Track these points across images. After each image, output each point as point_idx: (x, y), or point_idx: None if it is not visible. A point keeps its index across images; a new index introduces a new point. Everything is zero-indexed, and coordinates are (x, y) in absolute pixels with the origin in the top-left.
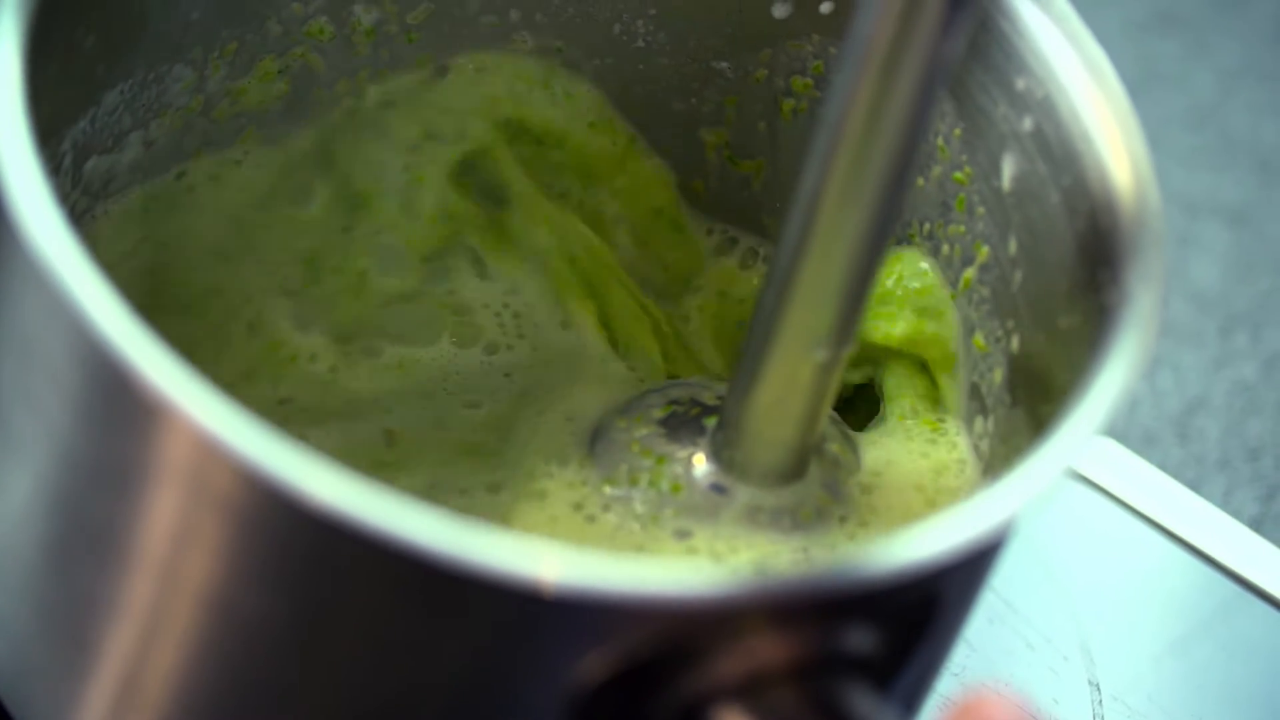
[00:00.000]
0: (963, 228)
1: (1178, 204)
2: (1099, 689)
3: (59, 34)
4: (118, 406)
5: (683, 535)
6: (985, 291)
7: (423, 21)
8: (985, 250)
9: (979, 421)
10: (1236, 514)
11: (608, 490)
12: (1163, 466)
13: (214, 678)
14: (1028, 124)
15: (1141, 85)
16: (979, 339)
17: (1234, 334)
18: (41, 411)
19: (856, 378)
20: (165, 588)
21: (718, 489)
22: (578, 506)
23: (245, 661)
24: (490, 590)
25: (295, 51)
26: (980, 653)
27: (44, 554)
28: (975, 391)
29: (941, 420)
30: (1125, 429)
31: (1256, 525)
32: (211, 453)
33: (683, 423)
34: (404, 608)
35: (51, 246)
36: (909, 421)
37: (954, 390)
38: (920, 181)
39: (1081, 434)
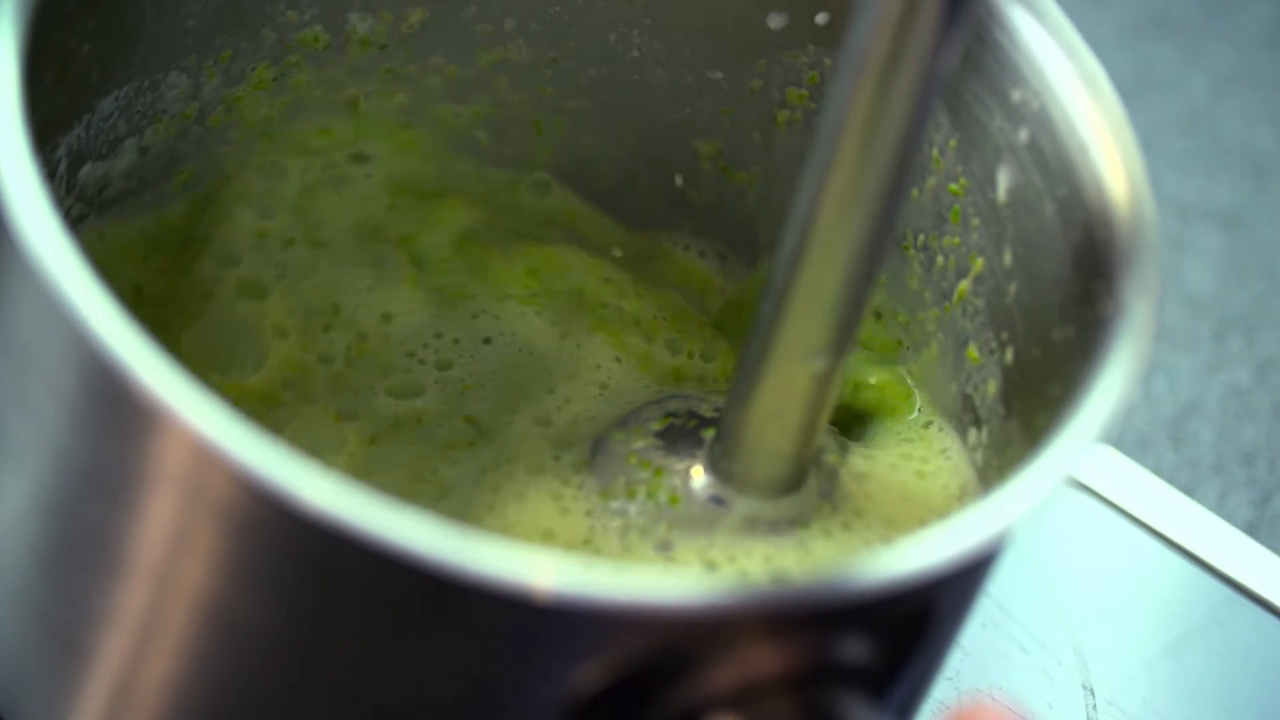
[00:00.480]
0: (957, 239)
1: (1171, 208)
2: (1093, 693)
3: (55, 41)
4: (114, 412)
5: (664, 547)
6: (979, 303)
7: (418, 30)
8: (980, 262)
9: (973, 433)
10: (1230, 518)
11: (599, 501)
12: (1157, 471)
13: (208, 684)
14: (1023, 135)
15: (1135, 90)
16: (973, 350)
17: (1228, 338)
18: (38, 417)
19: None
20: (160, 594)
21: (716, 501)
22: (556, 496)
23: (240, 668)
24: (483, 597)
25: (290, 59)
26: (974, 657)
27: (39, 560)
28: (969, 403)
29: (925, 417)
30: (1119, 433)
31: (1250, 529)
32: (208, 459)
33: (680, 435)
34: (398, 614)
35: (49, 252)
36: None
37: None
38: (915, 193)
39: (1077, 446)
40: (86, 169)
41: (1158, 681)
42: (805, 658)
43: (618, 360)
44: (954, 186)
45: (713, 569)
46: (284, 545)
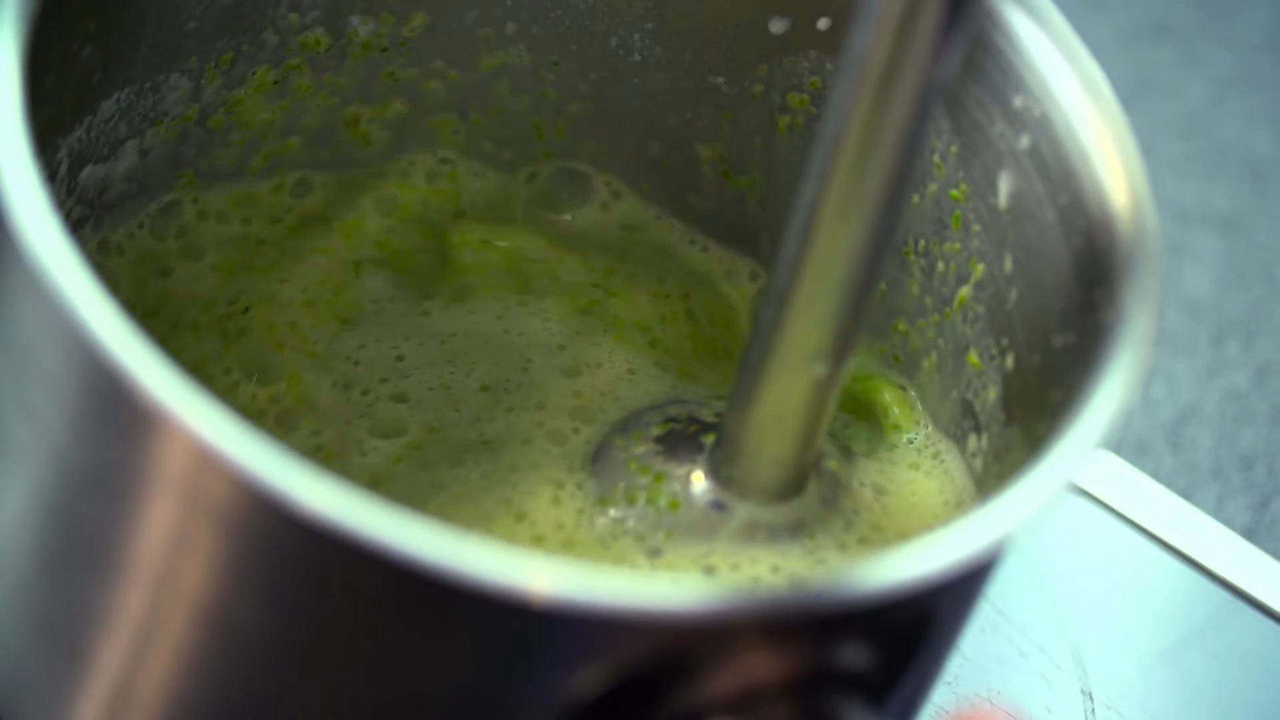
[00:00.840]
0: (958, 245)
1: (1170, 212)
2: (1091, 698)
3: (56, 43)
4: (114, 415)
5: (655, 553)
6: (980, 309)
7: (419, 34)
8: (981, 268)
9: (973, 439)
10: (1229, 523)
11: (596, 506)
12: (1155, 475)
13: (207, 687)
14: (1024, 142)
15: (1134, 94)
16: (973, 356)
17: (1226, 343)
18: (37, 419)
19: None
20: (159, 597)
21: (716, 506)
22: (558, 484)
23: (238, 671)
24: (480, 602)
25: (291, 63)
26: (973, 661)
27: (38, 562)
28: (969, 409)
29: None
30: (1118, 438)
31: (1249, 534)
32: (207, 462)
33: (680, 440)
34: (397, 618)
35: (49, 254)
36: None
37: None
38: (916, 198)
39: (1077, 453)
40: (87, 171)
41: (1156, 686)
42: (804, 663)
43: (641, 350)
44: (955, 192)
45: (711, 573)
46: (283, 549)
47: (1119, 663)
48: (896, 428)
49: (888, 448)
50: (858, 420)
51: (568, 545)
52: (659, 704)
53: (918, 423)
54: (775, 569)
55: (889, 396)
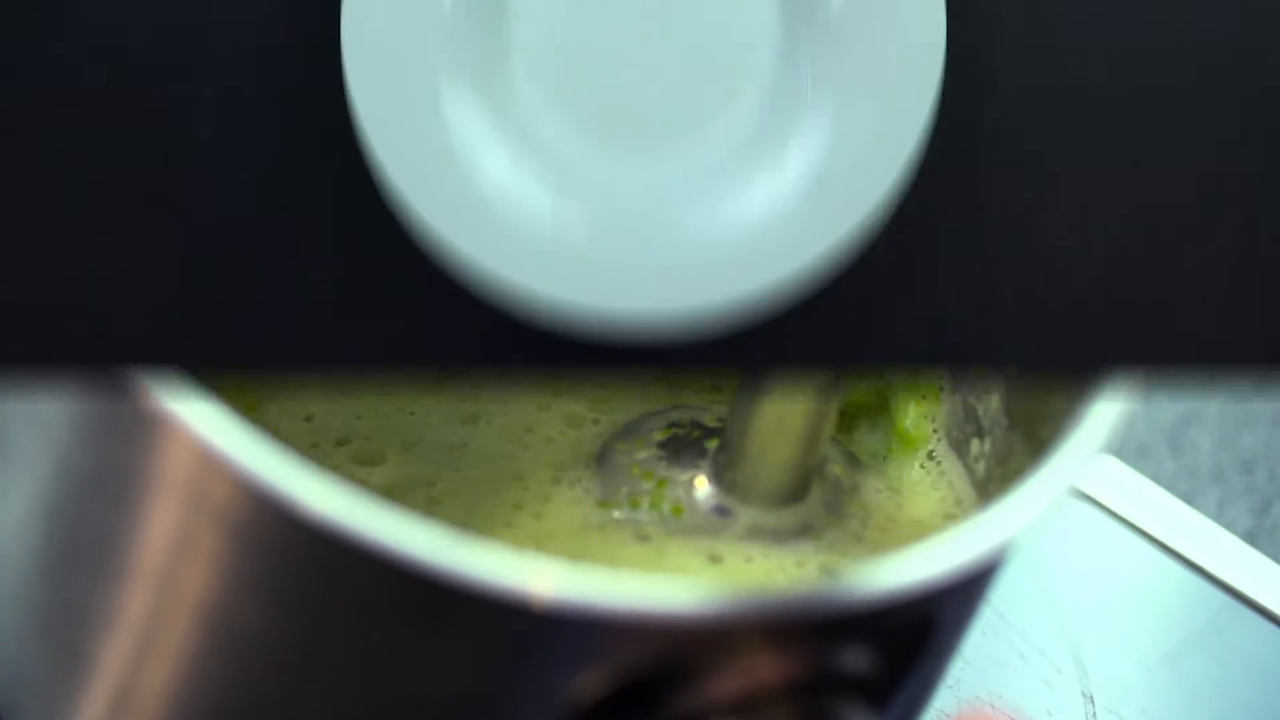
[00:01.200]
0: None
1: None
2: (1092, 701)
3: None
4: (117, 418)
5: (644, 539)
6: None
7: None
8: None
9: (975, 443)
10: (1230, 526)
11: (596, 507)
12: (1156, 479)
13: (208, 689)
14: None
15: None
16: None
17: None
18: (40, 421)
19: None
20: (161, 599)
21: (720, 511)
22: (558, 466)
23: (240, 674)
24: (482, 604)
25: None
26: (974, 665)
27: (40, 564)
28: (972, 413)
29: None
30: (1119, 442)
31: (1250, 538)
32: (209, 464)
33: (684, 445)
34: (399, 621)
35: None
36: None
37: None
38: None
39: (1079, 457)
40: None
41: (1157, 689)
42: (806, 667)
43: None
44: None
45: (718, 562)
46: (285, 551)
47: (1120, 666)
48: (912, 434)
49: (895, 452)
50: (870, 425)
51: (538, 515)
52: (660, 706)
53: (934, 431)
54: (800, 564)
55: (906, 402)
